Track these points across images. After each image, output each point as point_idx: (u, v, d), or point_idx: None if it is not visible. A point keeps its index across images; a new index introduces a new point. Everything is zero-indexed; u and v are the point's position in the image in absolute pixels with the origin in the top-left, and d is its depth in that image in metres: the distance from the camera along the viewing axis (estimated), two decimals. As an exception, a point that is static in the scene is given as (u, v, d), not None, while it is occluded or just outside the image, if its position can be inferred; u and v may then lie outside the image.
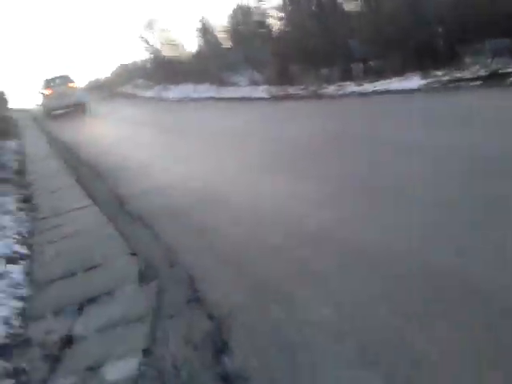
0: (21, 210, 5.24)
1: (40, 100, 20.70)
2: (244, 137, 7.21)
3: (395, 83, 9.47)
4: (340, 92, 10.07)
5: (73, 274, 3.26)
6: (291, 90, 13.13)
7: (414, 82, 8.94)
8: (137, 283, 2.87)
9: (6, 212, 5.14)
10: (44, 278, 3.32)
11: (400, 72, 10.19)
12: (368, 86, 9.99)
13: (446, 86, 7.97)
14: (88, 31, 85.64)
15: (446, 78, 8.38)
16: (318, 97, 10.26)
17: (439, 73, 8.78)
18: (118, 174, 6.24)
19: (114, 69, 35.93)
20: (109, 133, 11.35)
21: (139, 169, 6.36)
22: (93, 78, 42.77)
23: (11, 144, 12.20)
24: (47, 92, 19.13)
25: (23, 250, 3.90)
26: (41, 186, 6.47)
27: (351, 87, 10.43)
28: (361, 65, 17.02)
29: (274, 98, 11.79)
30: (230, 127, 8.43)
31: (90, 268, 3.31)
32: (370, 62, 16.07)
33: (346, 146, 5.38)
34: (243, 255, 2.98)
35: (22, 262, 3.65)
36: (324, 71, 17.41)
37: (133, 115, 14.54)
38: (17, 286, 3.21)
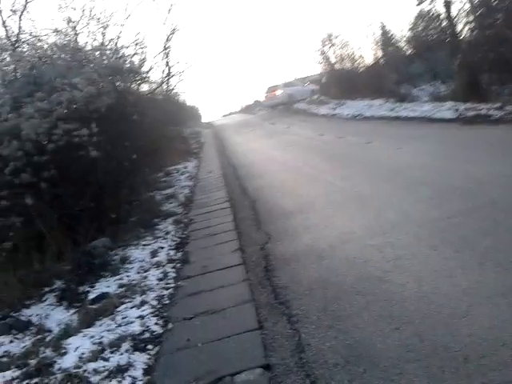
0: (171, 261, 5.00)
1: (262, 99, 34.80)
2: (425, 184, 5.99)
3: None
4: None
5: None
6: (483, 108, 11.12)
7: None
8: None
9: (157, 264, 4.95)
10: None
11: None
12: None
13: None
14: (268, 45, 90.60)
15: None
16: (521, 121, 8.29)
17: None
18: (282, 223, 5.64)
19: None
20: (275, 158, 11.04)
21: (303, 218, 5.69)
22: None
23: (188, 166, 12.85)
24: (266, 95, 32.16)
25: (157, 328, 3.50)
26: (199, 227, 6.26)
27: None
28: None
29: (462, 120, 10.01)
30: (403, 165, 7.22)
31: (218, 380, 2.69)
32: None
33: None
34: None
35: (150, 348, 3.22)
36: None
37: (300, 138, 14.09)
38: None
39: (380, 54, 23.84)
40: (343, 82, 24.05)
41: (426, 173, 6.25)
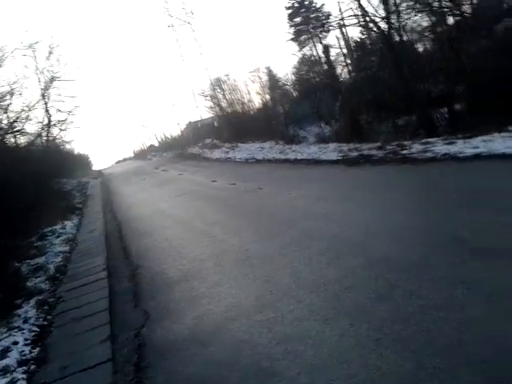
0: (23, 363, 4.04)
1: None
2: (322, 237, 5.70)
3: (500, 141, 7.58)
4: (428, 154, 8.30)
5: None
6: (365, 148, 11.52)
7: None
8: None
9: (5, 369, 3.96)
10: None
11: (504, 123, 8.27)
12: (463, 145, 8.13)
13: None
14: (160, 88, 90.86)
15: None
16: (402, 161, 8.53)
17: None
18: (164, 296, 4.96)
19: (183, 127, 36.55)
20: (165, 211, 10.35)
21: (188, 288, 5.06)
22: (166, 136, 44.40)
23: (67, 225, 11.59)
24: None
25: None
26: (68, 308, 5.31)
27: (440, 146, 8.62)
28: (444, 110, 15.01)
29: (347, 162, 10.19)
30: (294, 215, 6.98)
31: None
32: (456, 106, 14.04)
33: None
34: None
35: None
36: (400, 121, 15.61)
37: (193, 186, 13.60)
38: None
39: (268, 97, 24.50)
40: (235, 126, 24.21)
41: (317, 223, 5.97)
